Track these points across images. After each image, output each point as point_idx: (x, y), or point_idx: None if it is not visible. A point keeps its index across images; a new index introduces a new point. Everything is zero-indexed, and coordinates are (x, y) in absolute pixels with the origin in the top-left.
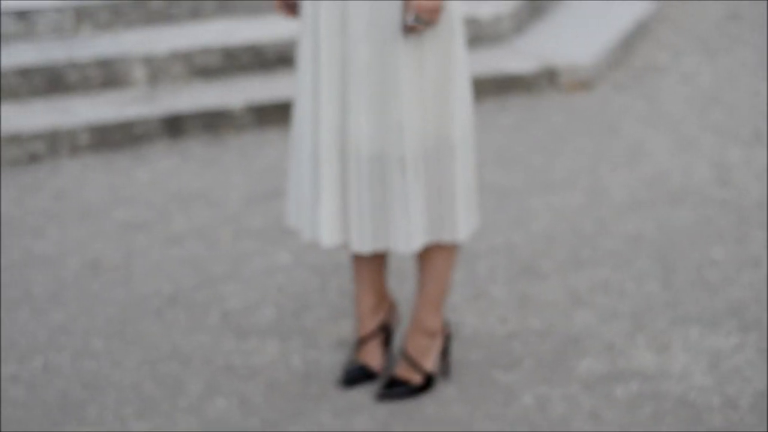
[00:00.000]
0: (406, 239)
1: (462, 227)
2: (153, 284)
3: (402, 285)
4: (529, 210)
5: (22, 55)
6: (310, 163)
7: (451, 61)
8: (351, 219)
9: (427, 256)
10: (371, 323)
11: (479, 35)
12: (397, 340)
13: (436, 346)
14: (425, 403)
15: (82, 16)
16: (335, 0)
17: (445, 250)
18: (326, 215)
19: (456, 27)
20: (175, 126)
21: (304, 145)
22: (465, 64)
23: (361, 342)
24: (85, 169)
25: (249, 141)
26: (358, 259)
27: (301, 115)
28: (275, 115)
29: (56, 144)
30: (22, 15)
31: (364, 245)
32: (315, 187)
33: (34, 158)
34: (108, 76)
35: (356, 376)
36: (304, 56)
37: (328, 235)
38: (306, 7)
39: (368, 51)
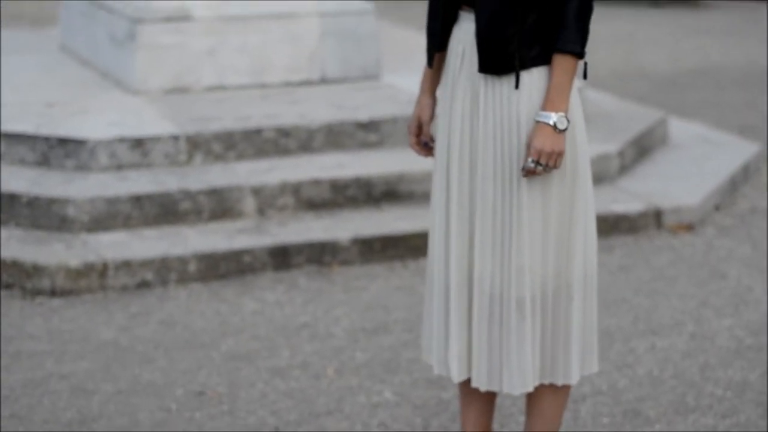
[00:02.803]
0: (520, 381)
1: (576, 370)
2: (256, 416)
3: (506, 424)
4: (633, 353)
5: (135, 183)
6: (440, 298)
7: (576, 203)
8: (473, 355)
9: (537, 396)
10: None
11: None
12: None
13: None
14: None
15: (195, 146)
16: (465, 140)
17: (556, 392)
18: (456, 351)
19: (581, 168)
20: (282, 257)
21: (435, 281)
22: (590, 206)
23: None
24: (193, 297)
25: (355, 274)
26: (468, 396)
27: (432, 250)
28: (382, 249)
29: (165, 272)
30: (138, 143)
31: (481, 383)
32: (445, 323)
33: (143, 285)
34: (218, 206)
35: None
36: (436, 193)
37: (456, 371)
38: (439, 146)
39: (494, 191)
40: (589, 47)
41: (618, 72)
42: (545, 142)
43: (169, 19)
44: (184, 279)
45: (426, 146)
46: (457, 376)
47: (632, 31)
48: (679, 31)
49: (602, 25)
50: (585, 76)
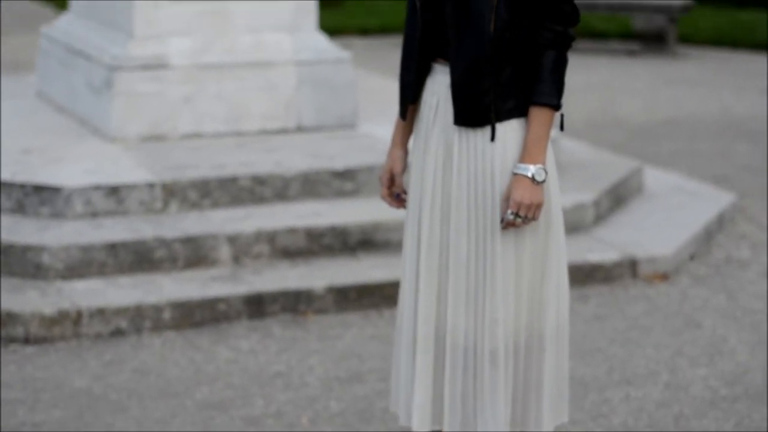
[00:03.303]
0: (493, 429)
1: (547, 420)
2: None
3: None
4: (608, 403)
5: (110, 230)
6: (408, 349)
7: (549, 254)
8: (444, 406)
9: None
10: None
11: None
12: None
13: None
14: None
15: (171, 194)
16: (438, 193)
17: None
18: (419, 401)
19: (554, 219)
20: (257, 306)
21: (403, 331)
22: (563, 256)
23: None
24: (167, 345)
25: (330, 323)
26: None
27: (402, 300)
28: (357, 297)
29: (140, 320)
30: (114, 191)
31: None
32: (411, 374)
33: (117, 333)
34: (193, 253)
35: None
36: (407, 244)
37: (418, 422)
38: (411, 198)
39: (468, 243)
40: (566, 97)
41: (594, 121)
42: (524, 194)
43: (146, 67)
44: (158, 327)
45: (398, 198)
46: (418, 425)
47: (608, 80)
48: (655, 81)
49: (578, 74)
50: (562, 128)
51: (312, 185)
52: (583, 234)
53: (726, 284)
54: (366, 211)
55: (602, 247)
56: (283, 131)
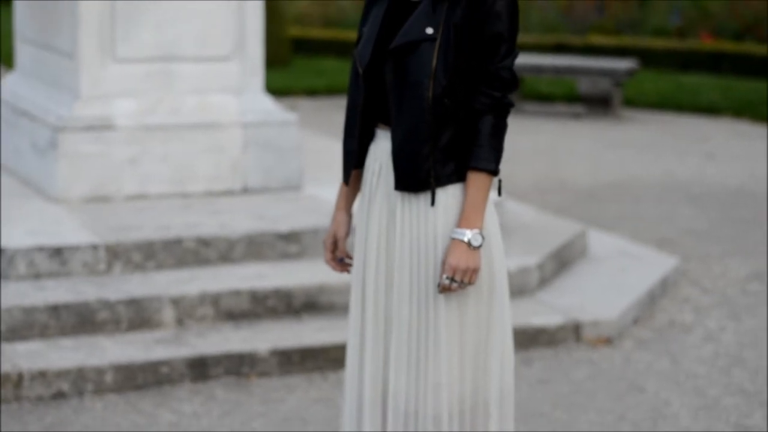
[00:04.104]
0: None
1: None
2: None
3: None
4: None
5: (53, 292)
6: (355, 413)
7: (493, 319)
8: None
9: None
10: None
11: None
12: None
13: None
14: None
15: (114, 256)
16: (381, 258)
17: None
18: None
19: (498, 284)
20: (200, 368)
21: (350, 395)
22: (507, 321)
23: None
24: (109, 409)
25: (274, 386)
26: None
27: (349, 364)
28: (301, 360)
29: (82, 382)
30: (57, 252)
31: None
32: None
33: (59, 396)
34: (137, 315)
35: None
36: (353, 307)
37: None
38: (355, 263)
39: (410, 308)
40: (511, 159)
41: (539, 184)
42: (460, 259)
43: (91, 128)
44: (100, 390)
45: (341, 262)
46: None
47: (554, 143)
48: (600, 144)
49: (524, 137)
50: (500, 193)
51: (257, 247)
52: (528, 297)
53: (669, 348)
54: (311, 273)
55: (546, 310)
56: (229, 193)
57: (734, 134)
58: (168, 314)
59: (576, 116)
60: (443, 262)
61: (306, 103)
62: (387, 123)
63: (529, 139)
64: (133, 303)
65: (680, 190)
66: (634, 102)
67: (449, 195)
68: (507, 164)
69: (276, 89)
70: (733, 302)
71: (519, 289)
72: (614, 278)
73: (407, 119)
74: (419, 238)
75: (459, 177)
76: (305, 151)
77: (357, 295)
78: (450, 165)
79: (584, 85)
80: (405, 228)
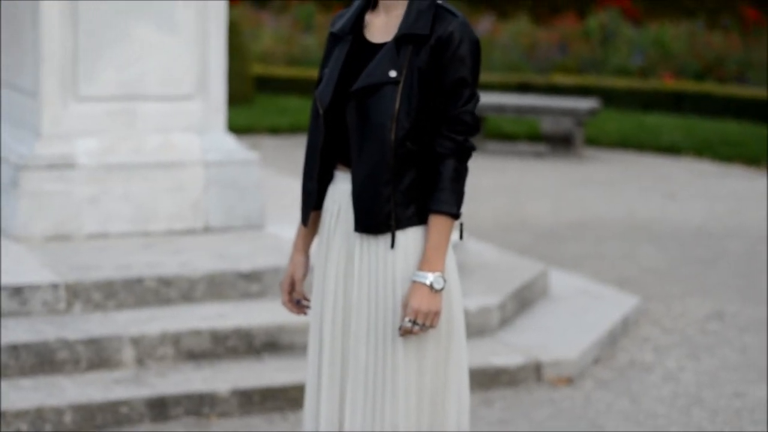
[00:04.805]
0: None
1: None
2: None
3: None
4: None
5: (12, 331)
6: None
7: (450, 361)
8: None
9: None
10: None
11: (465, 327)
12: None
13: None
14: None
15: (74, 295)
16: (339, 300)
17: None
18: None
19: (456, 326)
20: (160, 409)
21: None
22: (464, 364)
23: None
24: None
25: (234, 426)
26: None
27: (306, 406)
28: (261, 401)
29: (40, 423)
30: (17, 291)
31: None
32: None
33: None
34: (97, 355)
35: None
36: (311, 348)
37: None
38: (313, 305)
39: (367, 351)
40: (474, 198)
41: (501, 223)
42: (422, 302)
43: (52, 167)
44: (59, 430)
45: (298, 304)
46: None
47: (516, 182)
48: (562, 183)
49: (487, 176)
50: (461, 237)
51: (218, 287)
52: (489, 337)
53: (630, 388)
54: (271, 313)
55: (507, 350)
56: (191, 232)
57: (695, 174)
58: (128, 354)
59: (538, 155)
60: (404, 305)
61: (269, 141)
62: (347, 164)
63: (491, 178)
64: (93, 343)
65: (641, 230)
66: (597, 141)
67: (409, 237)
68: (469, 203)
69: (239, 127)
70: (692, 342)
71: (480, 329)
72: (575, 318)
73: (369, 161)
74: (378, 280)
75: (420, 219)
76: (267, 189)
77: (315, 337)
78: (411, 207)
79: (547, 125)
80: (364, 270)
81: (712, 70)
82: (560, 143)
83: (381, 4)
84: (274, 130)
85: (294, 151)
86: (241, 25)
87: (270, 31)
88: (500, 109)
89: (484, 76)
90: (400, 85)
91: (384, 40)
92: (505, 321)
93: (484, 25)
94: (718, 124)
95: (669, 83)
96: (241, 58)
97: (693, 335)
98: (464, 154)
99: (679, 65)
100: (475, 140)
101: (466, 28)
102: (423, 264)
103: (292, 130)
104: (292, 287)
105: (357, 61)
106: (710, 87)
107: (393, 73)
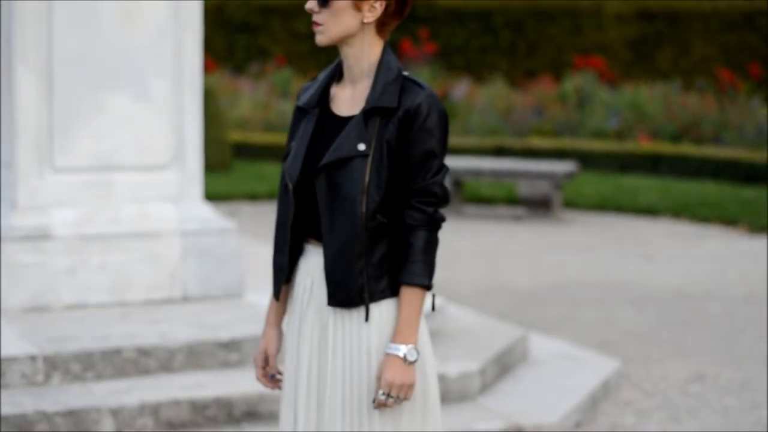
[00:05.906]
0: None
1: None
2: None
3: None
4: None
5: None
6: None
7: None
8: None
9: None
10: None
11: (446, 393)
12: None
13: None
14: None
15: (53, 367)
16: (313, 374)
17: None
18: None
19: (431, 396)
20: None
21: None
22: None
23: None
24: None
25: None
26: None
27: None
28: None
29: None
30: None
31: None
32: None
33: None
34: (75, 427)
35: None
36: (283, 422)
37: None
38: (287, 379)
39: (343, 425)
40: (452, 263)
41: (480, 287)
42: (396, 375)
43: (29, 238)
44: None
45: (273, 379)
46: None
47: (494, 246)
48: (540, 246)
49: (465, 240)
50: (433, 308)
51: (197, 356)
52: (469, 403)
53: None
54: (251, 382)
55: (488, 415)
56: (168, 301)
57: (673, 235)
58: (107, 425)
59: (516, 219)
60: (378, 378)
61: (247, 208)
62: (317, 238)
63: (469, 242)
64: (72, 414)
65: (620, 292)
66: (574, 204)
67: (383, 310)
68: (448, 267)
69: (217, 194)
70: (674, 405)
71: (460, 395)
72: (556, 382)
73: (340, 235)
74: (353, 353)
75: (392, 291)
76: (245, 257)
77: (288, 409)
78: (384, 280)
79: (524, 188)
80: (338, 343)
81: (688, 132)
82: (538, 206)
83: (347, 76)
84: (252, 197)
85: (272, 217)
86: (219, 93)
87: (247, 98)
88: (477, 173)
89: (461, 140)
90: (369, 158)
91: (351, 113)
92: (486, 386)
93: (460, 89)
94: (695, 185)
95: (645, 145)
96: (218, 125)
97: (674, 398)
98: (434, 225)
99: (655, 127)
100: (452, 204)
101: (434, 99)
102: (396, 336)
103: (269, 196)
104: (265, 362)
105: (324, 135)
106: (686, 148)
107: (362, 147)
